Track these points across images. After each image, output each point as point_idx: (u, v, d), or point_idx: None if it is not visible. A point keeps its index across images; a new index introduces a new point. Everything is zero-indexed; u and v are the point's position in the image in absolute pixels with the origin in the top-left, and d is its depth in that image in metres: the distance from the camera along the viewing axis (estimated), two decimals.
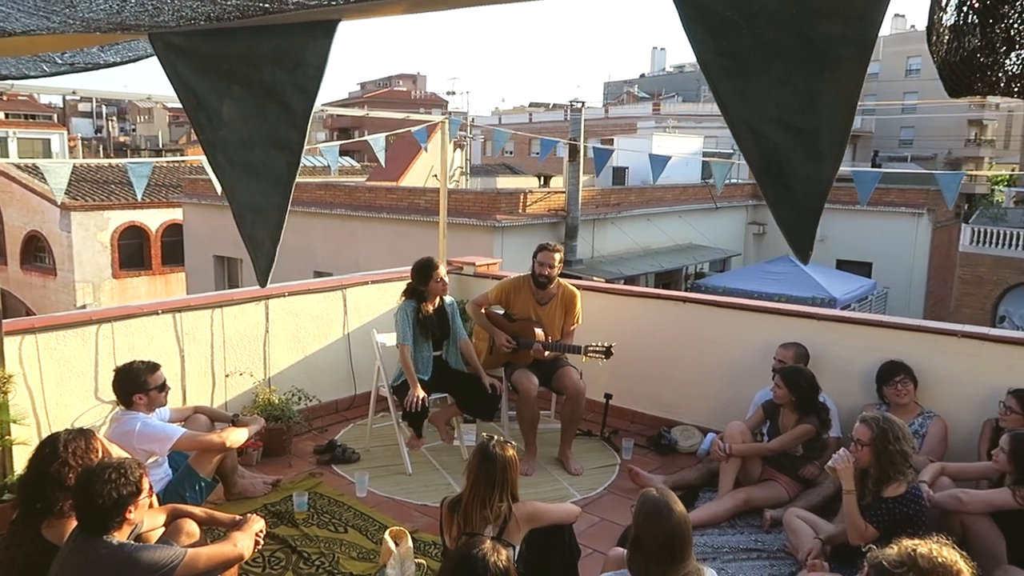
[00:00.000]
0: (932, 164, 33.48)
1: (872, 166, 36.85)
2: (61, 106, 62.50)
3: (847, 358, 4.74)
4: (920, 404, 4.44)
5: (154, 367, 3.90)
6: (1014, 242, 21.93)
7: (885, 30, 44.92)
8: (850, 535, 3.47)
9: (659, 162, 5.36)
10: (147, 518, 2.91)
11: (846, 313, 5.45)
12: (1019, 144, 39.67)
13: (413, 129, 5.62)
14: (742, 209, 21.00)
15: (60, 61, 2.64)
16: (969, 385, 4.36)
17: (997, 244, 22.20)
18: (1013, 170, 42.53)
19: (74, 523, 2.69)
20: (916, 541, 2.31)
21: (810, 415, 4.34)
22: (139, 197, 5.09)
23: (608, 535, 4.03)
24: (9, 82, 3.88)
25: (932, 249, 19.89)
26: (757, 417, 4.63)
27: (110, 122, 59.10)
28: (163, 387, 3.91)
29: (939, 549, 2.23)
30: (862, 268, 19.37)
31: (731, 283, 15.90)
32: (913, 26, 51.14)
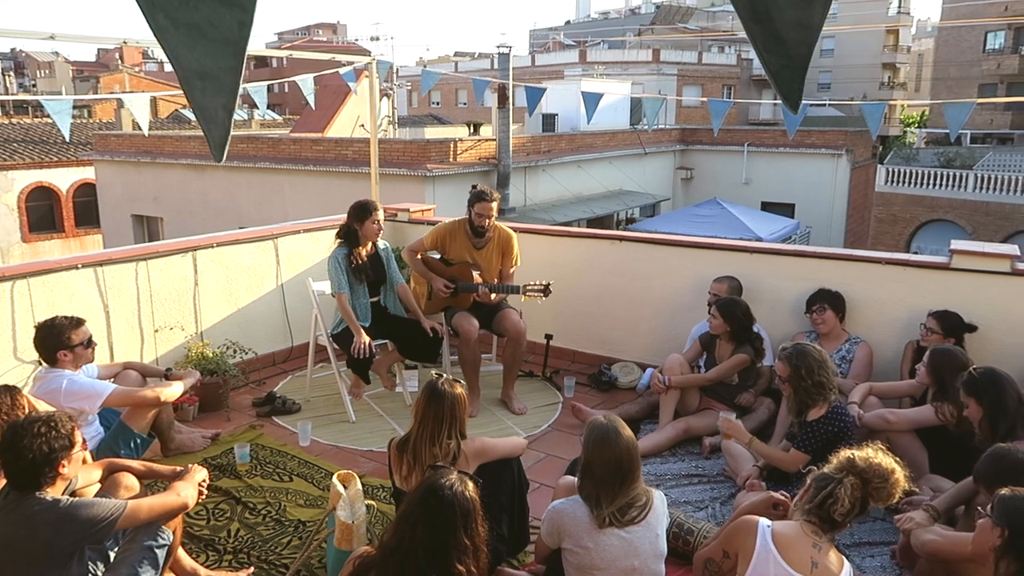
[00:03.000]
0: (850, 108, 34.50)
1: None
2: None
3: (779, 288, 4.89)
4: (847, 331, 4.62)
5: (78, 322, 3.72)
6: (925, 181, 22.94)
7: None
8: (783, 468, 3.62)
9: (592, 100, 5.31)
10: (82, 473, 2.80)
11: (776, 245, 5.61)
12: (929, 87, 41.16)
13: (342, 70, 5.41)
14: (670, 154, 21.25)
15: None
16: (892, 309, 4.56)
17: (909, 183, 23.19)
18: (924, 112, 44.27)
19: (2, 482, 2.56)
20: (852, 451, 2.42)
21: (745, 345, 4.47)
22: (67, 136, 4.78)
23: (554, 470, 4.09)
24: None
25: (850, 189, 20.60)
26: (694, 350, 4.75)
27: (7, 77, 55.33)
28: (89, 343, 3.74)
29: (875, 455, 2.34)
30: (785, 209, 19.95)
31: (662, 227, 16.13)
32: None
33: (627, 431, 2.70)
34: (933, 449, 3.75)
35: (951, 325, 4.16)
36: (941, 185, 22.67)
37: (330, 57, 5.50)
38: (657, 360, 5.00)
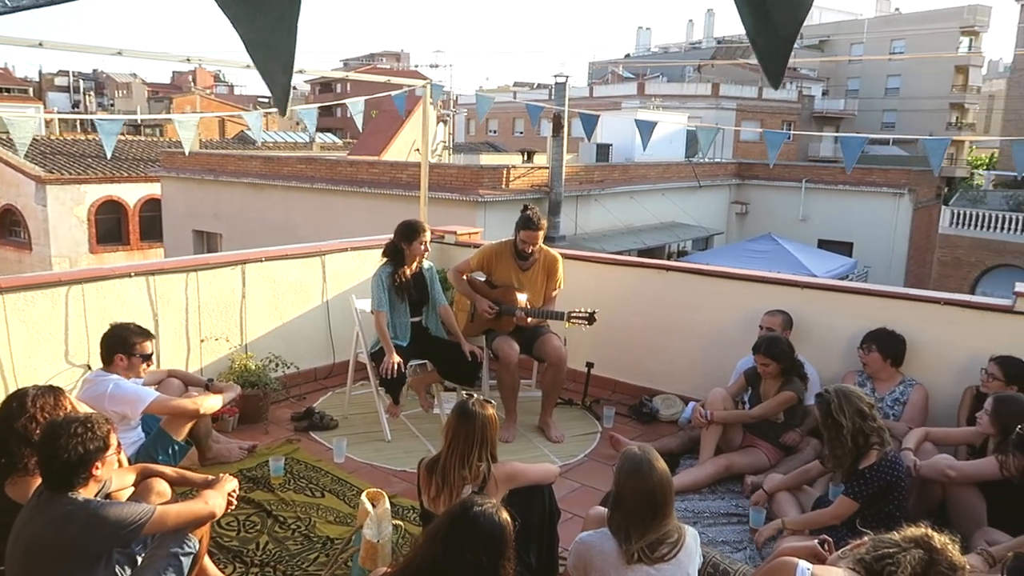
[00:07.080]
0: (913, 148, 33.66)
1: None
2: (37, 80, 61.30)
3: (830, 326, 4.73)
4: (902, 372, 4.43)
5: (147, 335, 3.79)
6: (992, 224, 22.14)
7: (869, 12, 44.81)
8: (833, 523, 3.44)
9: (646, 128, 5.27)
10: (116, 477, 2.83)
11: (828, 281, 5.44)
12: (1000, 128, 39.93)
13: (393, 93, 5.50)
14: (725, 188, 21.01)
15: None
16: (951, 352, 4.36)
17: (976, 226, 22.41)
18: (993, 154, 42.94)
19: (39, 481, 2.60)
20: (930, 529, 2.27)
21: (793, 381, 4.32)
22: (108, 154, 4.95)
23: (589, 500, 4.00)
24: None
25: (912, 230, 20.04)
26: (739, 384, 4.61)
27: (87, 96, 58.03)
28: (147, 359, 3.79)
29: (952, 545, 2.20)
30: (843, 247, 19.51)
31: (714, 261, 15.88)
32: (897, 8, 51.20)
33: (661, 464, 2.61)
34: (993, 498, 3.53)
35: (1014, 371, 3.95)
36: (1010, 229, 21.85)
37: (386, 80, 5.59)
38: (701, 394, 4.87)
